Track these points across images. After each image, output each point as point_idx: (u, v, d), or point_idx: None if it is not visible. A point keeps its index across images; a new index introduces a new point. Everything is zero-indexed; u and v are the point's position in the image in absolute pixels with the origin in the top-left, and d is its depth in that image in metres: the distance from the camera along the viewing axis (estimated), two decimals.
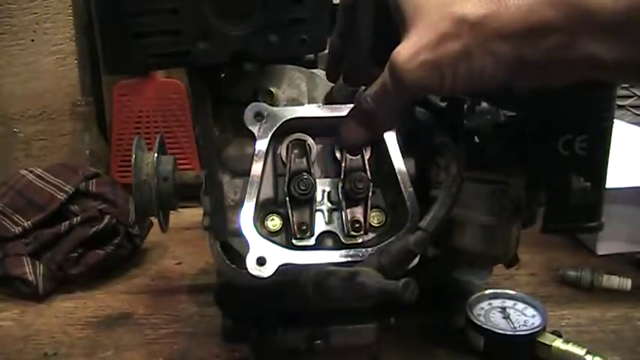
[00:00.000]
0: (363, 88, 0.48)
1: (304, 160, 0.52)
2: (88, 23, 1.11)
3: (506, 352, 0.61)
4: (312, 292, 0.48)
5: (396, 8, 0.41)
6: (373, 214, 0.53)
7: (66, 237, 0.78)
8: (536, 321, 0.62)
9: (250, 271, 0.48)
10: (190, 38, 0.45)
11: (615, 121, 0.50)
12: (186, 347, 0.65)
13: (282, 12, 0.46)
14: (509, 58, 0.37)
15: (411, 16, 0.39)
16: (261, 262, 0.48)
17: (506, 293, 0.66)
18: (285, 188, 0.51)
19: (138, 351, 0.65)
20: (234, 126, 0.54)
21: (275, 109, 0.52)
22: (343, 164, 0.52)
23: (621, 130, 0.76)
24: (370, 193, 0.52)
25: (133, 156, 0.61)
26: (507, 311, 0.64)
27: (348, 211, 0.52)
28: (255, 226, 0.49)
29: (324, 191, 0.53)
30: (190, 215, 0.82)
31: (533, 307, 0.64)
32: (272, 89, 0.53)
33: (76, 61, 1.10)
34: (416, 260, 0.49)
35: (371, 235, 0.52)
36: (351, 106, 0.49)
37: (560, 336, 0.60)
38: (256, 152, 0.51)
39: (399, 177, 0.51)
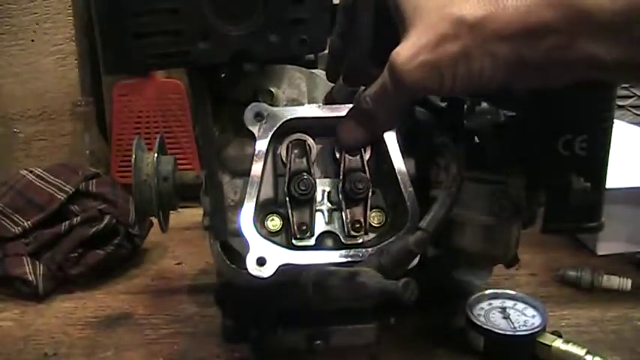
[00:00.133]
0: (363, 88, 0.48)
1: (304, 160, 0.52)
2: (88, 23, 1.11)
3: (506, 352, 0.61)
4: (312, 292, 0.48)
5: (395, 9, 0.41)
6: (373, 214, 0.53)
7: (66, 237, 0.78)
8: (536, 321, 0.62)
9: (250, 271, 0.48)
10: (190, 38, 0.45)
11: (615, 121, 0.50)
12: (186, 347, 0.65)
13: (282, 12, 0.46)
14: (508, 59, 0.37)
15: (411, 17, 0.39)
16: (261, 262, 0.48)
17: (507, 293, 0.66)
18: (285, 188, 0.51)
19: (138, 351, 0.65)
20: (234, 126, 0.54)
21: (275, 109, 0.52)
22: (343, 164, 0.52)
23: (621, 130, 0.76)
24: (370, 194, 0.52)
25: (133, 156, 0.61)
26: (507, 311, 0.64)
27: (348, 211, 0.52)
28: (255, 226, 0.49)
29: (324, 191, 0.53)
30: (190, 215, 0.82)
31: (533, 307, 0.64)
32: (272, 89, 0.53)
33: (76, 61, 1.10)
34: (416, 260, 0.49)
35: (371, 235, 0.52)
36: (351, 106, 0.49)
37: (560, 336, 0.60)
38: (256, 152, 0.51)
39: (399, 177, 0.51)
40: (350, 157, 0.52)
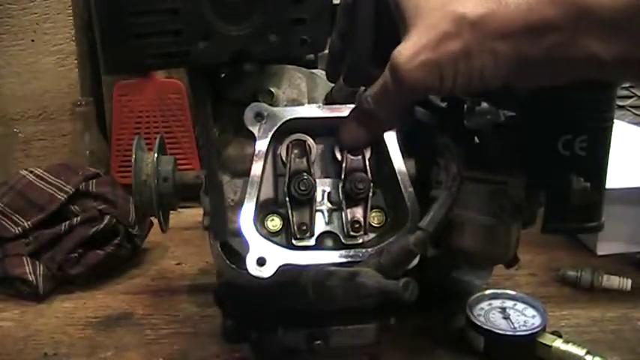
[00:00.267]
0: (363, 88, 0.48)
1: (304, 160, 0.52)
2: (88, 23, 1.11)
3: (506, 352, 0.61)
4: (312, 292, 0.48)
5: (396, 7, 0.41)
6: (373, 214, 0.53)
7: (66, 237, 0.78)
8: (536, 321, 0.62)
9: (250, 271, 0.48)
10: (190, 38, 0.45)
11: (615, 121, 0.50)
12: (186, 347, 0.65)
13: (282, 12, 0.46)
14: (508, 58, 0.37)
15: (412, 16, 0.39)
16: (261, 262, 0.48)
17: (507, 293, 0.66)
18: (285, 188, 0.51)
19: (138, 351, 0.65)
20: (234, 126, 0.54)
21: (275, 109, 0.52)
22: (344, 164, 0.52)
23: (621, 130, 0.76)
24: (370, 194, 0.52)
25: (133, 156, 0.61)
26: (507, 311, 0.64)
27: (348, 211, 0.52)
28: (255, 226, 0.49)
29: (324, 191, 0.52)
30: (190, 215, 0.82)
31: (533, 307, 0.64)
32: (272, 89, 0.53)
33: (76, 61, 1.10)
34: (416, 260, 0.49)
35: (371, 236, 0.52)
36: (352, 106, 0.49)
37: (560, 336, 0.60)
38: (256, 152, 0.51)
39: (399, 177, 0.51)
40: (351, 157, 0.52)
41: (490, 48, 0.37)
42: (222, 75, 0.55)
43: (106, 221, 0.79)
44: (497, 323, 0.62)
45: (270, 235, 0.52)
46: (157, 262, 0.86)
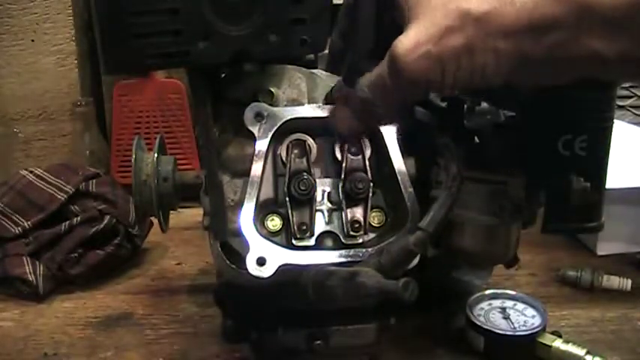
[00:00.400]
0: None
1: (304, 160, 0.52)
2: (88, 23, 1.11)
3: (506, 352, 0.61)
4: (312, 292, 0.48)
5: (398, 1, 0.41)
6: (373, 214, 0.53)
7: (66, 237, 0.78)
8: (536, 321, 0.62)
9: (250, 271, 0.48)
10: (190, 38, 0.45)
11: (615, 121, 0.50)
12: (186, 347, 0.65)
13: (282, 12, 0.46)
14: (510, 56, 0.37)
15: (414, 8, 0.39)
16: (261, 262, 0.48)
17: (507, 293, 0.66)
18: (285, 188, 0.51)
19: (138, 351, 0.65)
20: (234, 126, 0.54)
21: (275, 109, 0.52)
22: (344, 164, 0.52)
23: (621, 130, 0.76)
24: (370, 194, 0.52)
25: (133, 156, 0.61)
26: (507, 311, 0.64)
27: (348, 211, 0.52)
28: (255, 226, 0.49)
29: (324, 191, 0.52)
30: (190, 215, 0.82)
31: (533, 307, 0.64)
32: (272, 89, 0.53)
33: (76, 61, 1.10)
34: (416, 260, 0.49)
35: (371, 235, 0.52)
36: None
37: (560, 336, 0.60)
38: (256, 152, 0.51)
39: (399, 177, 0.51)
40: (351, 157, 0.52)
41: (492, 45, 0.37)
42: (222, 75, 0.55)
43: (106, 221, 0.79)
44: (497, 323, 0.62)
45: (270, 235, 0.52)
46: (157, 262, 0.86)
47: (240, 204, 0.50)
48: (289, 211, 0.51)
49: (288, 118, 0.52)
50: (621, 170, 0.65)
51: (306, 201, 0.51)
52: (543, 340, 0.60)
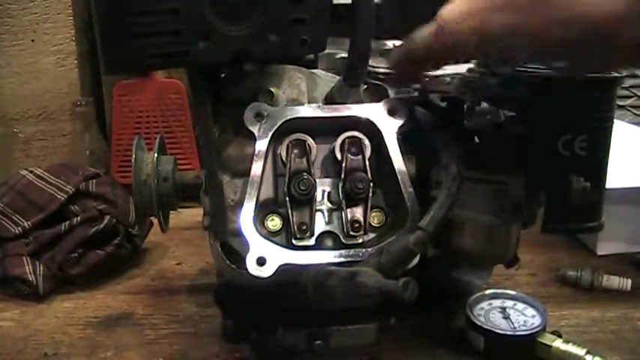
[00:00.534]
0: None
1: (304, 160, 0.52)
2: (88, 23, 1.11)
3: (506, 352, 0.61)
4: (312, 292, 0.48)
5: None
6: (373, 214, 0.53)
7: (66, 237, 0.78)
8: (536, 321, 0.62)
9: (250, 271, 0.48)
10: (190, 38, 0.45)
11: (615, 121, 0.50)
12: (186, 347, 0.65)
13: (282, 12, 0.46)
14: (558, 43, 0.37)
15: None
16: (261, 262, 0.48)
17: (507, 293, 0.66)
18: (285, 188, 0.51)
19: (138, 351, 0.65)
20: (234, 126, 0.54)
21: (275, 109, 0.52)
22: (343, 164, 0.52)
23: (621, 130, 0.76)
24: (370, 194, 0.52)
25: (133, 156, 0.61)
26: (507, 311, 0.64)
27: (348, 211, 0.52)
28: (255, 226, 0.49)
29: (324, 191, 0.52)
30: (190, 215, 0.82)
31: (533, 307, 0.64)
32: (272, 89, 0.53)
33: (76, 61, 1.10)
34: (416, 260, 0.49)
35: (371, 235, 0.52)
36: (352, 106, 0.49)
37: (560, 336, 0.60)
38: (256, 152, 0.51)
39: (399, 177, 0.51)
40: (351, 157, 0.52)
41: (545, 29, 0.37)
42: (222, 75, 0.55)
43: (106, 221, 0.79)
44: (497, 323, 0.62)
45: (270, 235, 0.52)
46: (157, 262, 0.86)
47: (240, 204, 0.50)
48: (289, 211, 0.51)
49: (288, 118, 0.52)
50: (621, 170, 0.65)
51: (306, 201, 0.51)
52: (543, 340, 0.60)
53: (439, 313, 0.67)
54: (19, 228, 0.79)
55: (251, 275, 0.48)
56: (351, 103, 0.53)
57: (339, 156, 0.52)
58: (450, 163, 0.49)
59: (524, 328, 0.61)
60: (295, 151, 0.52)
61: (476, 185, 0.51)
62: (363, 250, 0.50)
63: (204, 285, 0.79)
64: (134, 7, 0.44)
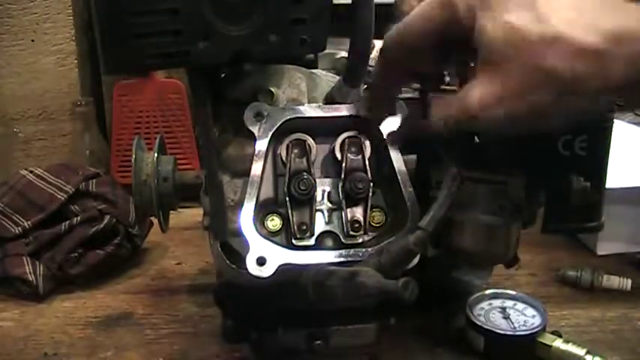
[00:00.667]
0: None
1: (304, 160, 0.52)
2: (88, 23, 1.11)
3: (506, 352, 0.61)
4: (312, 292, 0.48)
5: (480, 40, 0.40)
6: (373, 214, 0.53)
7: (66, 237, 0.78)
8: (536, 321, 0.62)
9: (250, 271, 0.48)
10: (190, 38, 0.45)
11: (615, 121, 0.50)
12: (186, 347, 0.65)
13: (282, 12, 0.46)
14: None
15: (490, 55, 0.39)
16: (261, 262, 0.48)
17: (507, 293, 0.66)
18: (285, 188, 0.51)
19: (138, 351, 0.65)
20: (234, 126, 0.54)
21: (275, 109, 0.52)
22: (343, 164, 0.52)
23: (621, 130, 0.76)
24: (370, 194, 0.52)
25: (133, 156, 0.61)
26: (507, 311, 0.64)
27: (348, 211, 0.52)
28: (255, 226, 0.49)
29: (324, 191, 0.53)
30: (190, 215, 0.82)
31: (533, 307, 0.64)
32: (272, 89, 0.53)
33: (76, 61, 1.10)
34: (416, 260, 0.49)
35: (371, 235, 0.52)
36: (351, 106, 0.49)
37: (560, 336, 0.60)
38: (256, 152, 0.51)
39: (399, 177, 0.51)
40: (351, 157, 0.52)
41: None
42: (222, 75, 0.55)
43: (106, 221, 0.79)
44: (497, 323, 0.62)
45: (270, 235, 0.52)
46: (157, 262, 0.86)
47: (240, 204, 0.50)
48: (289, 211, 0.51)
49: (288, 117, 0.52)
50: (621, 170, 0.65)
51: (306, 201, 0.51)
52: (543, 340, 0.60)
53: (439, 313, 0.67)
54: (19, 228, 0.79)
55: (251, 275, 0.48)
56: (351, 103, 0.53)
57: (339, 156, 0.52)
58: (450, 163, 0.49)
59: (524, 328, 0.61)
60: (295, 150, 0.52)
61: (476, 185, 0.51)
62: (363, 250, 0.50)
63: (204, 285, 0.79)
64: (134, 7, 0.44)
